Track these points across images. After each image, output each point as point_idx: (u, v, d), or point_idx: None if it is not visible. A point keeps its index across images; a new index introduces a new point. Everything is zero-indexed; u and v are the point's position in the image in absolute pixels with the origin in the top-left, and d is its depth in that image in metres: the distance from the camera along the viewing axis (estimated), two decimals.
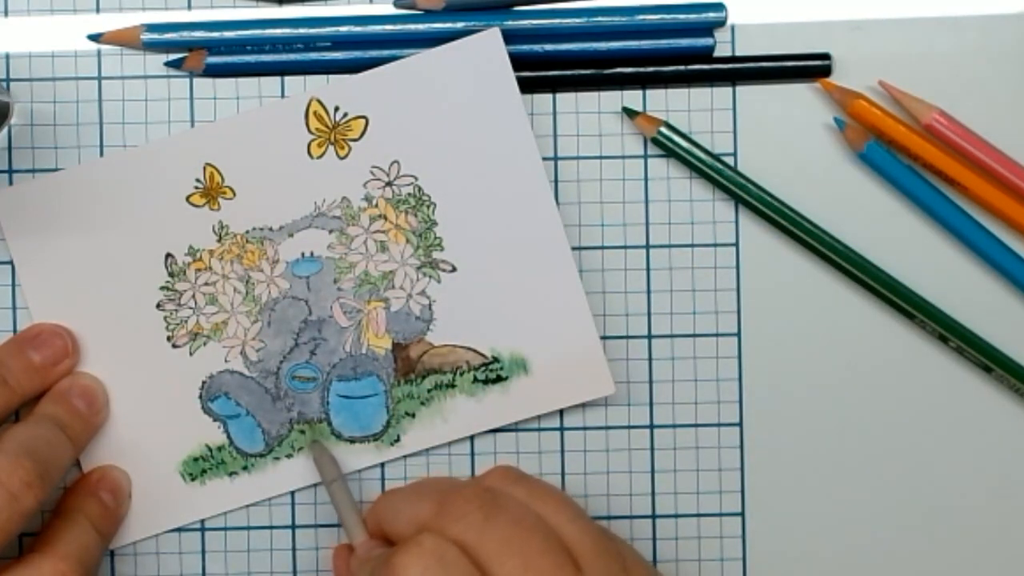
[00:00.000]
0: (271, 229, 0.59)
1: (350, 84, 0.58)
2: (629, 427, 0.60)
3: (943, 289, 0.59)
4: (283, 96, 0.59)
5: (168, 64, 0.59)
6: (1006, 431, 0.60)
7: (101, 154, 0.59)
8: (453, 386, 0.59)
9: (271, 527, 0.60)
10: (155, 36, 0.58)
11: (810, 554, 0.60)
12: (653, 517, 0.60)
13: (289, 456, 0.59)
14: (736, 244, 0.60)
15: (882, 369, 0.60)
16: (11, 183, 0.59)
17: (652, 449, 0.60)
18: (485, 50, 0.58)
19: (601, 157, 0.59)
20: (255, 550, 0.60)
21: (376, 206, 0.59)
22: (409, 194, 0.59)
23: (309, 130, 0.59)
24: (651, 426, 0.60)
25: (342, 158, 0.59)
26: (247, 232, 0.59)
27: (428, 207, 0.59)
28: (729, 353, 0.60)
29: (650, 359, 0.60)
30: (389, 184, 0.59)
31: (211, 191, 0.59)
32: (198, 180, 0.59)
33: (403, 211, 0.59)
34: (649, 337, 0.60)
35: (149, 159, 0.58)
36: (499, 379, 0.59)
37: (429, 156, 0.59)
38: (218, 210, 0.59)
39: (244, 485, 0.59)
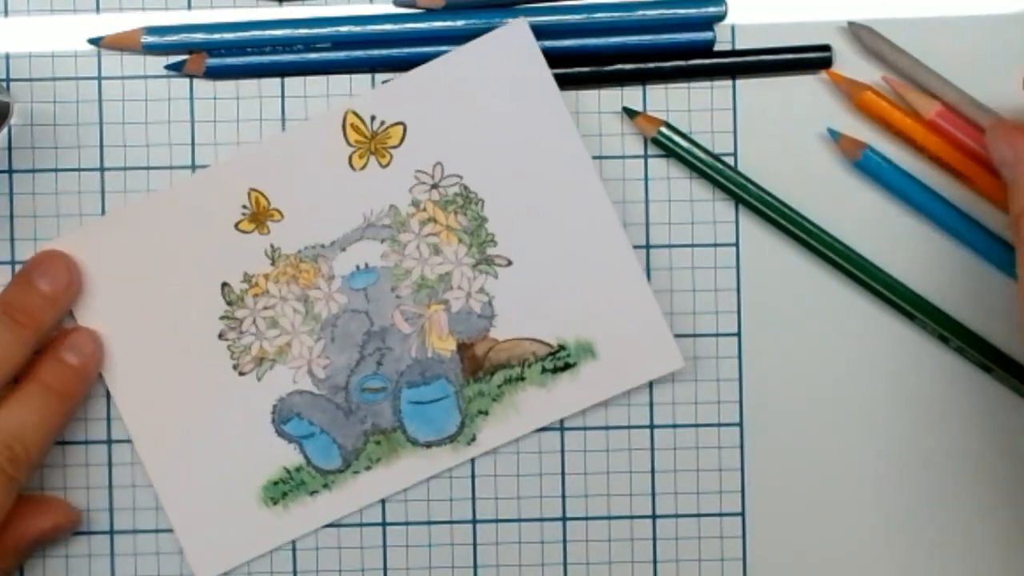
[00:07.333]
0: (323, 246, 0.59)
1: (383, 92, 0.58)
2: (629, 427, 0.60)
3: (943, 289, 0.59)
4: (283, 96, 0.59)
5: (168, 68, 0.59)
6: (1007, 431, 0.60)
7: (101, 154, 0.59)
8: (523, 379, 0.59)
9: None
10: (155, 39, 0.58)
11: (810, 554, 0.60)
12: (653, 517, 0.60)
13: (368, 468, 0.59)
14: (736, 244, 0.60)
15: (882, 369, 0.60)
16: (11, 183, 0.59)
17: (652, 449, 0.60)
18: (514, 42, 0.58)
19: (601, 157, 0.59)
20: None
21: (424, 209, 0.59)
22: (456, 194, 0.59)
23: (348, 142, 0.58)
24: (651, 426, 0.60)
25: (384, 166, 0.58)
26: (299, 252, 0.59)
27: (476, 204, 0.59)
28: (729, 353, 0.60)
29: None
30: (435, 186, 0.59)
31: (259, 215, 0.58)
32: (244, 206, 0.58)
33: (452, 211, 0.59)
34: None
35: (193, 191, 0.58)
36: (567, 366, 0.59)
37: (471, 153, 0.58)
38: (267, 234, 0.58)
39: (326, 503, 0.59)
